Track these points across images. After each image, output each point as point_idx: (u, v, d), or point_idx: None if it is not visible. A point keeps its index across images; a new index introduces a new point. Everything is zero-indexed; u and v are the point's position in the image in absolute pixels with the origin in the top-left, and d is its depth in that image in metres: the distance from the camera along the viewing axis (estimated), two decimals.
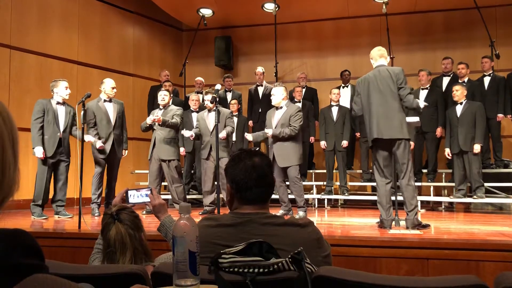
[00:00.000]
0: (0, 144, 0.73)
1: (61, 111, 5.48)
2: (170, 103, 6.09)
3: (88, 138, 5.44)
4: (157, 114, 5.77)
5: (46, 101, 5.42)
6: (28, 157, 5.90)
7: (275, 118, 5.36)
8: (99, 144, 5.56)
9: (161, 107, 5.90)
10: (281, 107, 5.35)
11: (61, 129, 5.43)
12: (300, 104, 7.06)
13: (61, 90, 5.43)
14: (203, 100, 7.45)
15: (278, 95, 5.32)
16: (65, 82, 5.50)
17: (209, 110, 5.72)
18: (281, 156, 5.19)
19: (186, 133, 5.87)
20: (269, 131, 5.24)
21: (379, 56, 4.36)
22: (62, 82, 5.47)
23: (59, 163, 5.44)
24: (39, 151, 5.24)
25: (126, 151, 6.02)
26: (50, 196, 5.53)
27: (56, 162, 5.41)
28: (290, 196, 5.43)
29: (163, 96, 5.88)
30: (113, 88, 5.78)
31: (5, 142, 0.74)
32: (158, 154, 5.76)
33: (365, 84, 4.28)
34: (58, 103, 5.45)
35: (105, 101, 5.77)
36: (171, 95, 6.41)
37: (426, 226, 4.19)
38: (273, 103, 5.41)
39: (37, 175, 5.35)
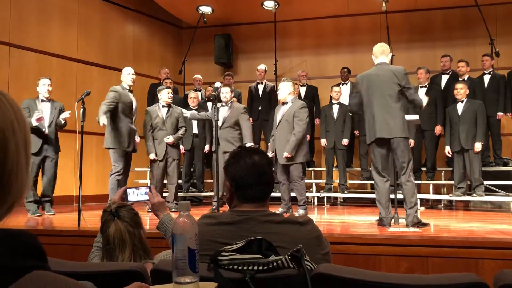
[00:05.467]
0: (15, 148, 0.73)
1: (46, 108, 5.51)
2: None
3: (102, 120, 5.19)
4: (168, 137, 5.76)
5: (31, 100, 5.48)
6: None
7: (279, 114, 5.30)
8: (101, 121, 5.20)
9: (165, 104, 5.88)
10: (286, 103, 5.28)
11: (46, 125, 5.44)
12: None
13: (41, 88, 5.49)
14: (202, 98, 7.49)
15: (284, 90, 5.25)
16: (45, 79, 5.52)
17: (226, 104, 5.78)
18: (283, 154, 5.13)
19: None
20: (285, 154, 5.05)
21: (380, 52, 4.33)
22: (42, 80, 5.52)
23: (45, 159, 5.45)
24: None
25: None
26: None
27: (42, 159, 5.42)
28: (291, 195, 5.42)
29: (170, 95, 5.91)
30: (129, 74, 5.59)
31: (19, 146, 0.73)
32: (171, 154, 5.79)
33: (366, 82, 4.26)
34: (42, 100, 5.50)
35: (129, 91, 5.61)
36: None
37: (426, 224, 4.19)
38: (278, 98, 5.37)
39: None
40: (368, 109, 4.24)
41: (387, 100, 4.12)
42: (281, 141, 5.18)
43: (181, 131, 5.91)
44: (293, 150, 5.04)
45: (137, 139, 5.60)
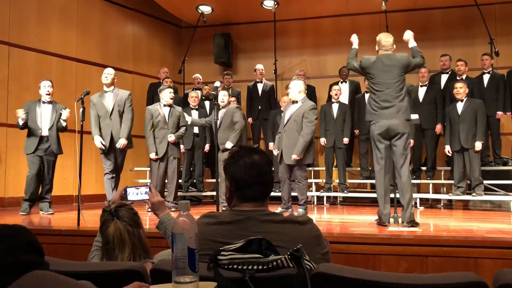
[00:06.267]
0: None
1: (46, 110, 5.53)
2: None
3: (97, 140, 5.49)
4: (170, 135, 5.78)
5: (31, 102, 5.54)
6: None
7: (288, 112, 5.25)
8: (98, 144, 5.52)
9: (166, 104, 5.87)
10: (296, 102, 5.23)
11: (44, 127, 5.47)
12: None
13: (41, 90, 5.53)
14: (201, 97, 7.49)
15: (295, 88, 5.20)
16: (45, 81, 5.54)
17: (223, 107, 5.84)
18: (289, 153, 5.09)
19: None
20: (294, 156, 5.01)
21: (385, 49, 4.33)
22: (42, 82, 5.56)
23: (44, 160, 5.48)
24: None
25: (124, 141, 5.55)
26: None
27: (41, 160, 5.46)
28: (292, 194, 5.42)
29: (172, 95, 5.90)
30: (106, 75, 5.61)
31: None
32: (172, 153, 5.78)
33: (372, 67, 4.27)
34: (43, 102, 5.53)
35: (105, 92, 5.68)
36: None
37: (418, 224, 4.17)
38: (289, 97, 5.32)
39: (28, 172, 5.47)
40: (374, 95, 4.24)
41: (392, 90, 4.14)
42: (288, 140, 5.15)
43: (182, 130, 5.92)
44: (302, 152, 5.00)
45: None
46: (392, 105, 4.13)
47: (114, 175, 5.52)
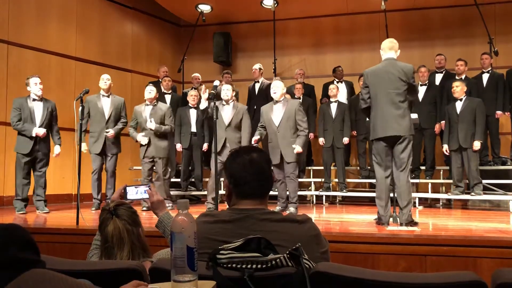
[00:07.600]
0: None
1: (38, 107, 5.50)
2: (162, 99, 6.08)
3: (83, 147, 5.60)
4: (150, 127, 5.73)
5: (22, 99, 5.47)
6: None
7: (275, 113, 5.28)
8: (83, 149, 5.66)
9: (148, 102, 5.84)
10: (278, 102, 5.28)
11: (37, 125, 5.44)
12: (300, 101, 7.02)
13: (32, 87, 5.46)
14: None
15: (280, 89, 5.27)
16: (35, 78, 5.49)
17: (226, 103, 5.65)
18: (290, 151, 5.18)
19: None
20: (299, 149, 5.15)
21: (389, 48, 4.29)
22: (32, 78, 5.49)
23: (36, 159, 5.46)
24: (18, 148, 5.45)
25: (111, 131, 5.86)
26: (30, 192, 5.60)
27: (33, 159, 5.44)
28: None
29: (150, 91, 5.79)
30: (105, 81, 5.88)
31: None
32: (155, 152, 5.76)
33: (373, 77, 4.23)
34: (34, 99, 5.48)
35: (103, 96, 5.89)
36: (157, 93, 6.29)
37: (416, 223, 4.17)
38: (276, 98, 5.28)
39: (15, 171, 5.45)
40: (375, 105, 4.23)
41: (395, 97, 4.11)
42: (285, 139, 5.20)
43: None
44: (304, 146, 5.29)
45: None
46: (395, 111, 4.10)
47: (100, 176, 5.98)
